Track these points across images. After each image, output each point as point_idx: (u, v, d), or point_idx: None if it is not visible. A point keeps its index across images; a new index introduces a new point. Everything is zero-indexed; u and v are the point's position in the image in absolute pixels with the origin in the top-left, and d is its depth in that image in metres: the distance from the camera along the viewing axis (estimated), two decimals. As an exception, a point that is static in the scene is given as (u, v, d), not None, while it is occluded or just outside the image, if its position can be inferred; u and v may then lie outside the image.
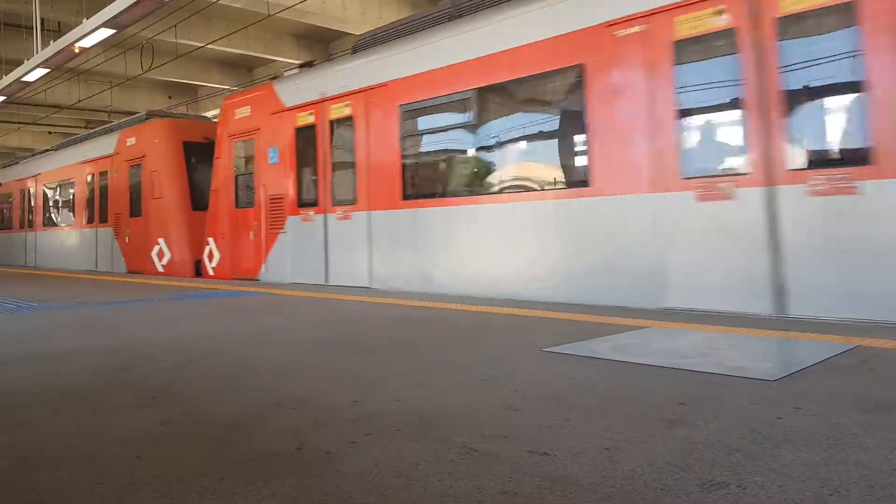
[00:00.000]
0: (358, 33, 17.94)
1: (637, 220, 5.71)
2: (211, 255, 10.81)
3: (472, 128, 7.12)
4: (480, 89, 7.00)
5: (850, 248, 4.60)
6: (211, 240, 10.80)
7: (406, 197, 7.77)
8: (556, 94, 6.41)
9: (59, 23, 16.51)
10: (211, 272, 10.80)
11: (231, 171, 10.48)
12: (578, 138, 6.24)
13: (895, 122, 4.45)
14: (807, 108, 4.88)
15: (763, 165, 5.02)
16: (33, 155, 19.85)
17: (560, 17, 6.32)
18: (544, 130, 6.55)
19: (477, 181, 7.11)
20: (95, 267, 14.74)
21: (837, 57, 4.69)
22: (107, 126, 15.55)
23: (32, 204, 18.31)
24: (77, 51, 13.37)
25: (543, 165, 6.59)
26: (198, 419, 2.57)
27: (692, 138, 5.45)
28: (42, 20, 14.92)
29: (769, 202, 4.99)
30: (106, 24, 11.76)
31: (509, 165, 6.85)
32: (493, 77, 6.88)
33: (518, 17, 6.73)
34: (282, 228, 9.45)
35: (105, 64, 18.76)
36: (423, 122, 7.71)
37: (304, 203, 9.18)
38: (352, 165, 8.47)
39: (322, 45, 21.26)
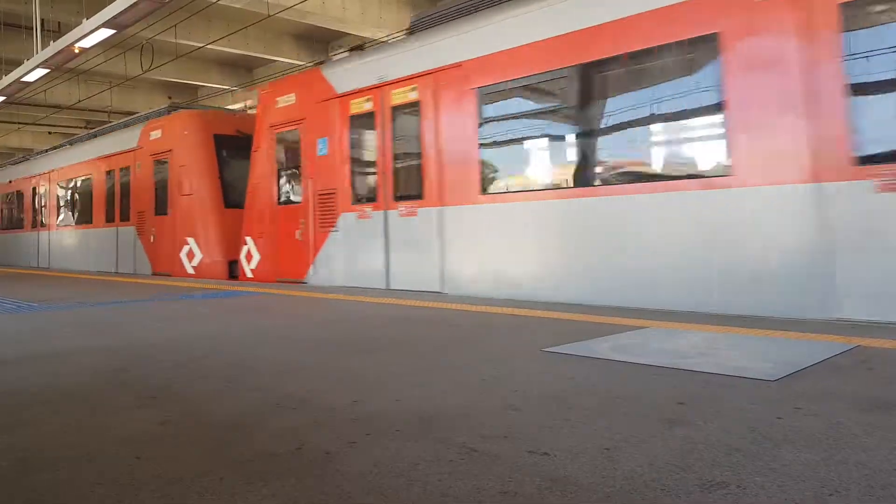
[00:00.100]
0: (358, 33, 18.03)
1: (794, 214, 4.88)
2: (249, 256, 9.98)
3: (575, 111, 6.23)
4: (585, 65, 6.13)
5: None
6: (249, 239, 9.96)
7: (485, 192, 6.98)
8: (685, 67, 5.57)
9: (59, 23, 16.52)
10: (249, 274, 9.97)
11: (273, 165, 9.62)
12: (711, 119, 5.42)
13: None
14: None
15: None
16: (45, 151, 19.36)
17: None
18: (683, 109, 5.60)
19: (579, 172, 6.26)
20: (116, 268, 13.99)
21: None
22: (126, 119, 14.99)
23: (45, 203, 17.63)
24: (77, 51, 13.35)
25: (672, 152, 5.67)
26: (198, 419, 2.57)
27: (867, 117, 4.58)
28: (42, 20, 14.90)
29: None
30: (106, 25, 11.76)
31: (621, 154, 5.95)
32: (596, 52, 6.06)
33: None
34: (333, 226, 8.66)
35: (105, 64, 18.76)
36: (510, 107, 6.80)
37: (359, 198, 8.39)
38: (417, 157, 7.65)
39: (322, 46, 21.27)
